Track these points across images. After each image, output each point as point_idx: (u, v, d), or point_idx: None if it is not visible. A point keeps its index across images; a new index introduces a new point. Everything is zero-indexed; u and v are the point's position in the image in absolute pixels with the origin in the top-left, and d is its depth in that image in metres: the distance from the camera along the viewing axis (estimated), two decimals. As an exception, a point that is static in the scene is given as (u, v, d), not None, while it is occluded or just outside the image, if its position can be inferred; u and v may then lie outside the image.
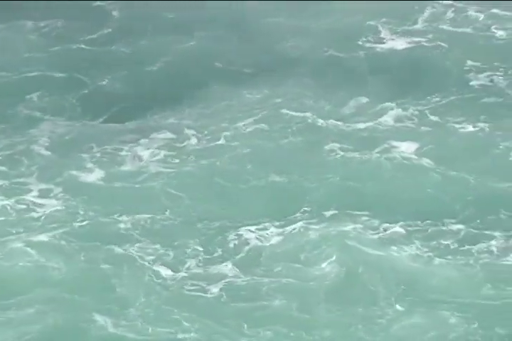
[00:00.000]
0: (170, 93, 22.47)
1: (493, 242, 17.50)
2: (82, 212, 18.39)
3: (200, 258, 17.30)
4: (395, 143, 20.24)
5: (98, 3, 26.12)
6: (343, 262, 17.18)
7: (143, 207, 18.48)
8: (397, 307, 16.25)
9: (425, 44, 23.80)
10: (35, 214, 18.50)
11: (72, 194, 19.02)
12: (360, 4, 24.63)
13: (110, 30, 24.86)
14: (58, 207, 18.64)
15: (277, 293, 16.59)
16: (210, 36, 24.48)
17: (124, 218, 18.08)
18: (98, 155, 20.15)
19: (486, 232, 17.73)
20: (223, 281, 17.03)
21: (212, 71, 23.08)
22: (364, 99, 21.90)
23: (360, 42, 23.91)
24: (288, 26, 24.87)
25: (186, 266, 17.17)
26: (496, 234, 17.70)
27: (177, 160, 20.12)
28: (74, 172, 19.62)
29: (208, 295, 16.58)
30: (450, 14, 24.54)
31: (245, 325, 16.03)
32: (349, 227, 17.83)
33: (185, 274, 16.96)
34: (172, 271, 17.07)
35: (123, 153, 20.25)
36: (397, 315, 16.10)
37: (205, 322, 15.99)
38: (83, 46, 24.16)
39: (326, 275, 17.01)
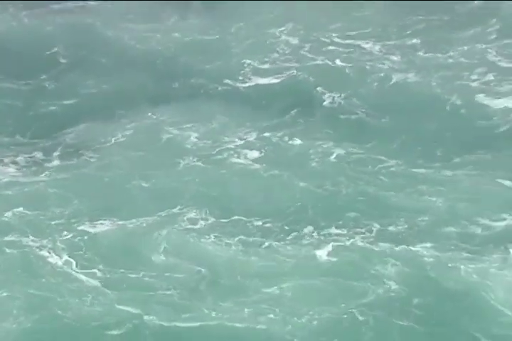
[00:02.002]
0: (75, 119, 27.81)
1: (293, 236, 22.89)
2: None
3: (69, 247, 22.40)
4: (241, 157, 25.82)
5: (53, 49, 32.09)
6: (179, 252, 22.08)
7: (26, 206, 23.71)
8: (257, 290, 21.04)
9: (289, 75, 29.72)
10: None
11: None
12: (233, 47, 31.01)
13: (53, 71, 30.77)
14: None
15: (144, 282, 21.32)
16: (126, 75, 30.40)
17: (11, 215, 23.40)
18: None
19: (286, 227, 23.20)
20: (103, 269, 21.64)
21: (117, 104, 28.72)
22: (230, 123, 27.49)
23: (240, 78, 29.79)
24: (190, 66, 30.62)
25: (62, 254, 22.09)
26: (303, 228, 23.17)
27: (45, 172, 25.15)
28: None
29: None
30: (303, 49, 30.79)
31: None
32: (186, 222, 23.06)
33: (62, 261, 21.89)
34: (51, 258, 21.88)
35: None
36: (255, 297, 20.80)
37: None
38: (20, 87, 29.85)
39: (168, 266, 21.79)
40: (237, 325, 20.16)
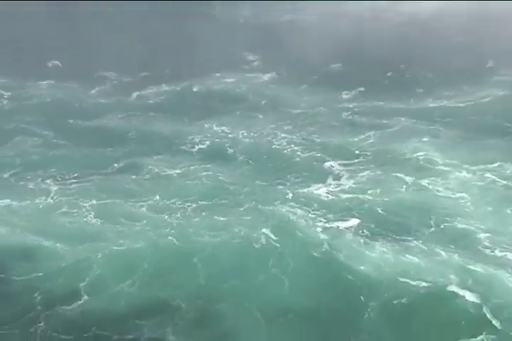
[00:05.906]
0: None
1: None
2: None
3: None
4: (178, 174, 55.35)
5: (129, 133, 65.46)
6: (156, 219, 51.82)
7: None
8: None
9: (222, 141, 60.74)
10: None
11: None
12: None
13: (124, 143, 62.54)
14: None
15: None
16: (152, 144, 61.58)
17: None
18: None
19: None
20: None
21: (140, 156, 58.94)
22: (179, 164, 56.71)
23: (191, 145, 61.24)
24: (177, 142, 61.91)
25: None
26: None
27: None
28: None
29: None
30: (221, 134, 62.02)
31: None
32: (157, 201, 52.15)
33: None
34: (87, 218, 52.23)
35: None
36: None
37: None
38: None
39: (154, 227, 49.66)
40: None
